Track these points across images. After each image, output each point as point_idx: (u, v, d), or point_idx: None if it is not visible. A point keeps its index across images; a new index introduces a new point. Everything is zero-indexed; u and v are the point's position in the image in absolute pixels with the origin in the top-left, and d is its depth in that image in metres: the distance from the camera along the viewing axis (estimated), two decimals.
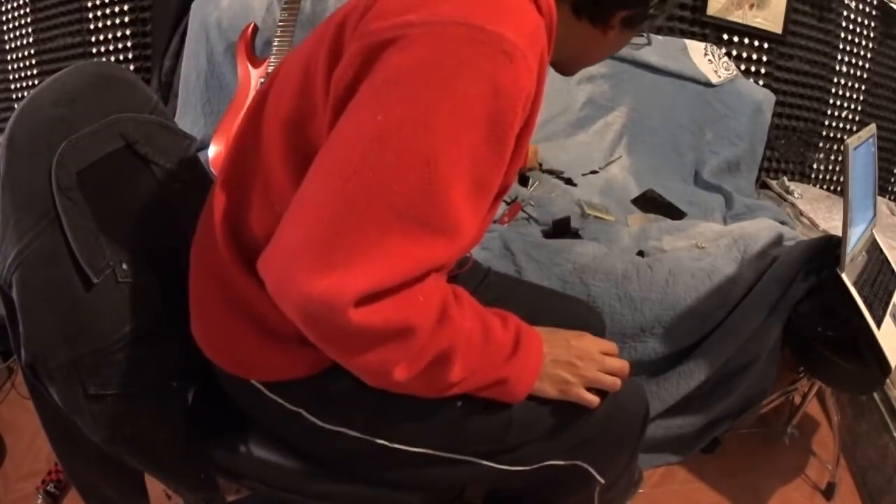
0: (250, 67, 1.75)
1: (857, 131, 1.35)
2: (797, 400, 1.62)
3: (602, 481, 0.89)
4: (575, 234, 1.60)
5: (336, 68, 0.62)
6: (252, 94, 1.72)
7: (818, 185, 2.57)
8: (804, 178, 2.55)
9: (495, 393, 0.76)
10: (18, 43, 2.28)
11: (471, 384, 0.72)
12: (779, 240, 1.60)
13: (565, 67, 0.84)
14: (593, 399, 0.81)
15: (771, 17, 2.31)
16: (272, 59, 1.72)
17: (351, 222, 0.56)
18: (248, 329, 0.73)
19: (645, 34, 0.83)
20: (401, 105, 0.56)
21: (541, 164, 1.91)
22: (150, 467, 0.86)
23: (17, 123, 0.70)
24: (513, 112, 0.59)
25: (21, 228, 0.67)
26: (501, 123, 0.59)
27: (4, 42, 2.29)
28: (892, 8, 2.41)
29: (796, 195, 2.26)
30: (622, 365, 0.84)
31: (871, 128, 1.40)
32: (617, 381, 0.82)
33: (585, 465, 0.86)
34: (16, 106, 2.33)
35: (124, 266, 0.75)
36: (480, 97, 0.57)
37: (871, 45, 2.47)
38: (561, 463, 0.85)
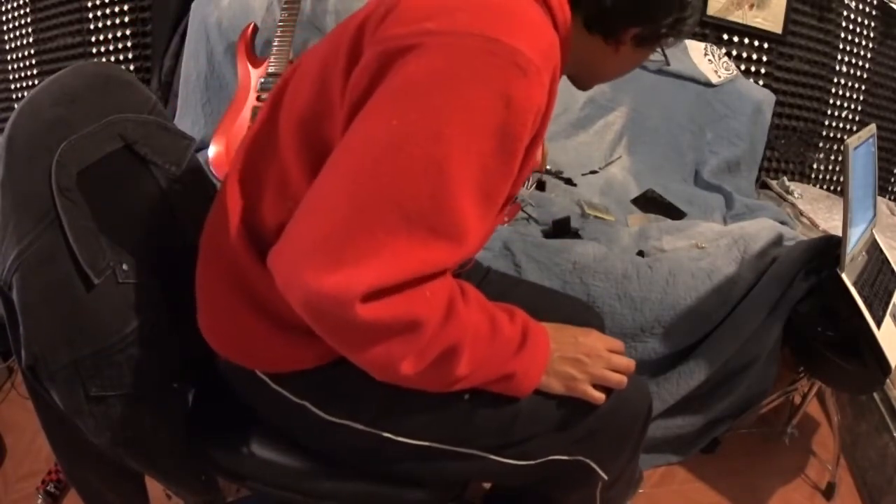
0: (250, 67, 1.75)
1: (857, 131, 1.35)
2: (797, 400, 1.62)
3: (605, 477, 0.89)
4: (575, 234, 1.60)
5: (353, 70, 0.63)
6: (252, 94, 1.72)
7: (818, 185, 2.57)
8: (804, 178, 2.55)
9: (502, 387, 0.76)
10: (18, 43, 2.28)
11: (478, 378, 0.73)
12: (779, 240, 1.60)
13: (580, 82, 0.85)
14: (599, 396, 0.81)
15: (771, 17, 2.31)
16: (272, 59, 1.72)
17: (361, 223, 0.57)
18: (258, 319, 0.74)
19: (662, 53, 0.83)
20: (415, 112, 0.58)
21: (548, 169, 1.91)
22: (151, 469, 0.86)
23: (16, 124, 0.70)
24: (523, 125, 0.60)
25: (21, 229, 0.67)
26: (511, 135, 0.60)
27: (4, 42, 2.29)
28: (892, 8, 2.41)
29: (796, 195, 2.26)
30: (628, 363, 0.84)
31: (871, 128, 1.40)
32: (623, 379, 0.82)
33: (588, 461, 0.87)
34: (16, 106, 2.33)
35: (125, 266, 0.75)
36: (492, 109, 0.58)
37: (871, 45, 2.47)
38: (565, 458, 0.85)
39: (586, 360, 0.81)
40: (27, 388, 0.74)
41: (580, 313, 1.12)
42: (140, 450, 0.81)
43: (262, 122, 0.76)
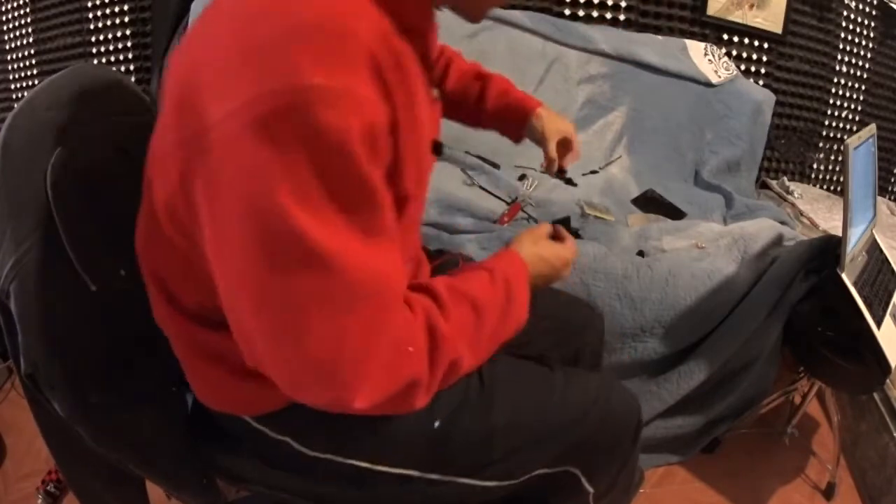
0: None
1: (857, 131, 1.35)
2: (797, 400, 1.62)
3: (591, 490, 0.88)
4: (575, 234, 1.60)
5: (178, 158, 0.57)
6: None
7: (818, 185, 2.57)
8: (804, 178, 2.55)
9: (505, 338, 0.76)
10: (18, 43, 2.28)
11: (485, 353, 0.73)
12: (779, 240, 1.60)
13: (465, 15, 0.72)
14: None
15: (771, 17, 2.31)
16: None
17: (303, 350, 0.55)
18: (218, 369, 0.73)
19: None
20: (254, 230, 0.52)
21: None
22: (152, 473, 0.86)
23: (11, 128, 0.70)
24: (351, 160, 0.52)
25: (18, 237, 0.67)
26: (346, 176, 0.53)
27: (4, 42, 2.29)
28: (892, 8, 2.40)
29: (796, 195, 2.26)
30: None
31: (871, 128, 1.40)
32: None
33: (575, 471, 0.86)
34: (15, 106, 2.34)
35: (122, 272, 0.74)
36: (316, 172, 0.51)
37: (871, 45, 2.47)
38: (550, 471, 0.85)
39: (560, 272, 0.85)
40: (26, 395, 0.74)
41: (581, 313, 1.11)
42: (141, 454, 0.80)
43: (144, 201, 0.69)
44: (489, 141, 1.53)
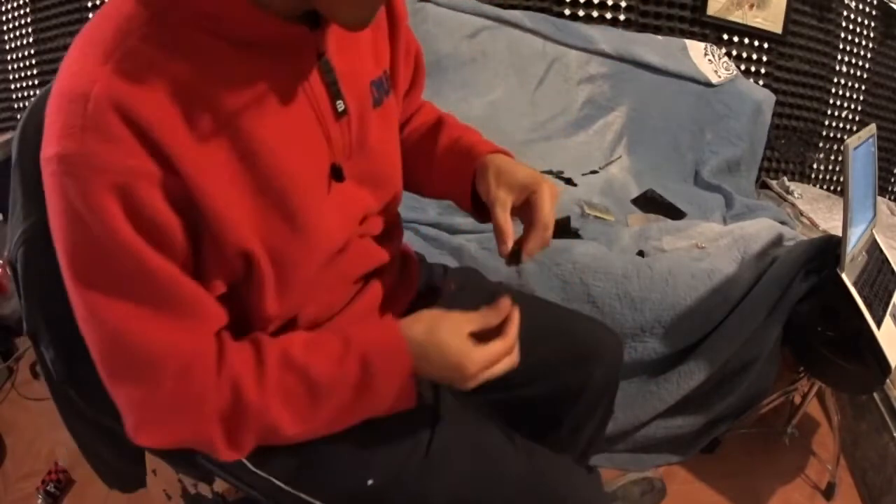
0: None
1: (857, 131, 1.35)
2: (797, 400, 1.62)
3: None
4: (575, 234, 1.61)
5: None
6: None
7: (818, 185, 2.57)
8: (804, 178, 2.55)
9: (371, 415, 0.70)
10: (18, 43, 2.28)
11: (331, 426, 0.70)
12: (779, 240, 1.60)
13: (340, 23, 0.58)
14: (501, 368, 0.70)
15: (771, 17, 2.31)
16: None
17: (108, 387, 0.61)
18: None
19: None
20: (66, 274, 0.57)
21: (550, 170, 1.89)
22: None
23: (32, 111, 0.75)
24: (104, 229, 0.52)
25: (26, 209, 0.72)
26: (106, 247, 0.53)
27: (4, 42, 2.29)
28: (892, 8, 2.41)
29: (796, 195, 2.26)
30: (511, 363, 0.71)
31: (871, 128, 1.40)
32: (509, 363, 0.70)
33: None
34: (16, 106, 2.34)
35: None
36: (74, 238, 0.54)
37: (871, 45, 2.47)
38: None
39: (461, 380, 0.69)
40: (36, 353, 0.78)
41: (595, 333, 1.02)
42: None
43: None
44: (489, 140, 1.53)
